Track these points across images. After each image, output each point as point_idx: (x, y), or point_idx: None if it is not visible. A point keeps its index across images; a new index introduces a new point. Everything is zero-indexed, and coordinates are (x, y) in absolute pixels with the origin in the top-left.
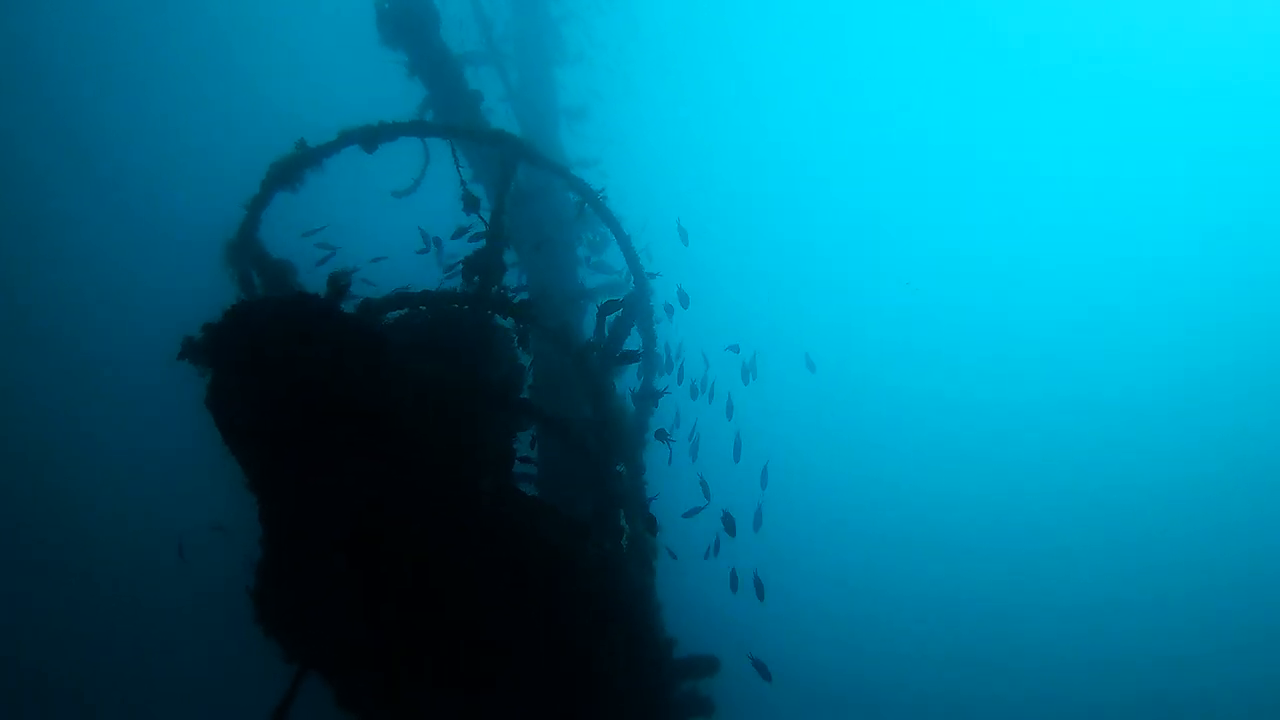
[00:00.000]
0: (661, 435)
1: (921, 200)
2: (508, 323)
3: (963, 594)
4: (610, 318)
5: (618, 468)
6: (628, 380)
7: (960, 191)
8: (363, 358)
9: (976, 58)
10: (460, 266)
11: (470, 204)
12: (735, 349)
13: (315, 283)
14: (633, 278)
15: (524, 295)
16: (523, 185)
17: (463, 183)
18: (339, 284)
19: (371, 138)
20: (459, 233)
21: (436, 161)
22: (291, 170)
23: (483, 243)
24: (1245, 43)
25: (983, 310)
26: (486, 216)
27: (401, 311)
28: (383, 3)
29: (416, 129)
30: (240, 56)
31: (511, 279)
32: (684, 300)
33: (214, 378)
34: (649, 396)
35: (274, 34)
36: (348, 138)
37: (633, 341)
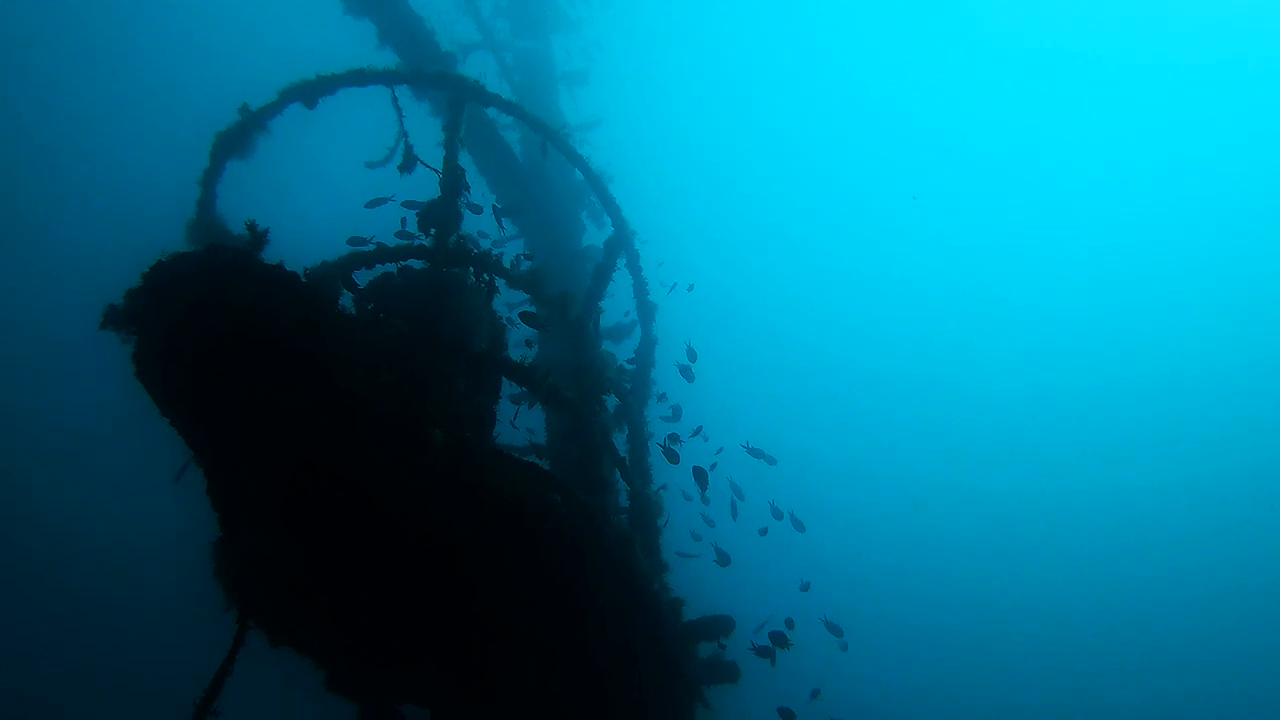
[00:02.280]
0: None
1: (930, 192)
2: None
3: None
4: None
5: (599, 417)
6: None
7: (966, 185)
8: (286, 305)
9: (972, 53)
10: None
11: (409, 163)
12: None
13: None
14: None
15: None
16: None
17: (404, 134)
18: (257, 231)
19: (311, 93)
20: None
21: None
22: (238, 137)
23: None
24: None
25: (1012, 308)
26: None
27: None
28: None
29: (355, 79)
30: (201, 31)
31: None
32: (691, 356)
33: (137, 342)
34: (649, 348)
35: (235, 8)
36: (288, 95)
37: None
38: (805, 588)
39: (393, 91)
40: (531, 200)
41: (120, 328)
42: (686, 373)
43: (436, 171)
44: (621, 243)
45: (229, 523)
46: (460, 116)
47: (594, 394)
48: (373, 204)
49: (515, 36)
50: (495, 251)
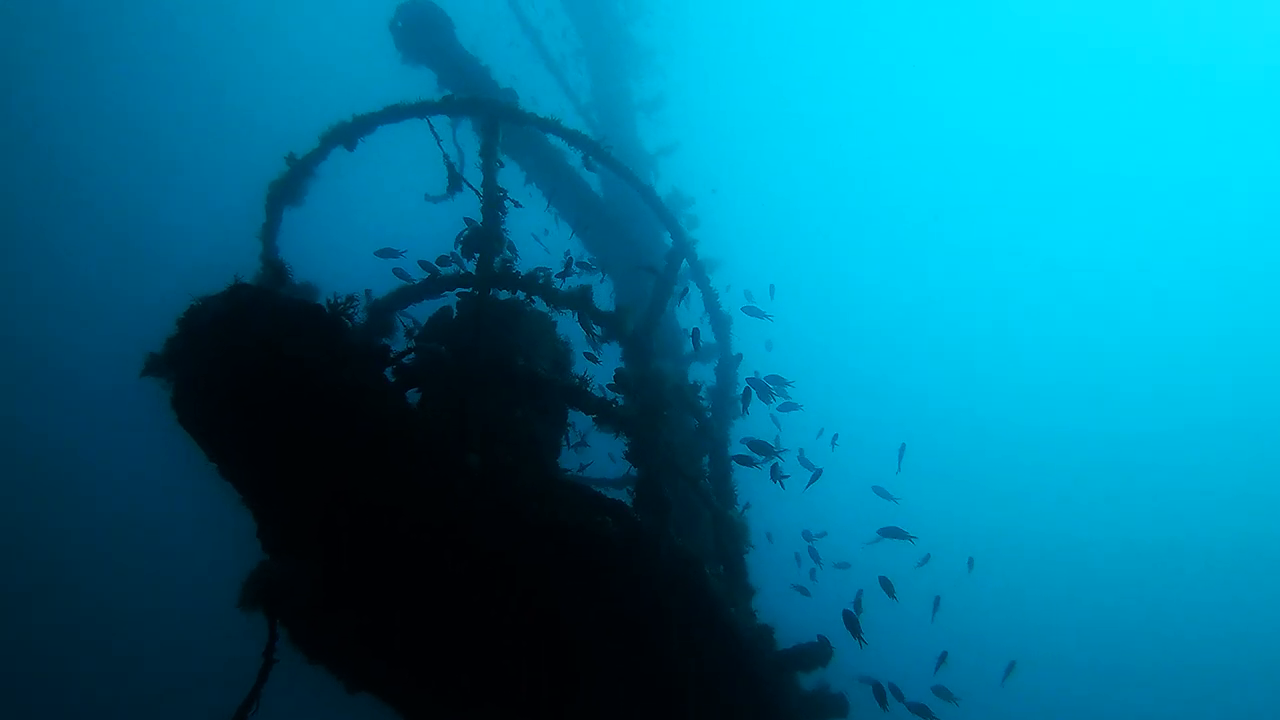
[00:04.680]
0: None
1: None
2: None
3: None
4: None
5: (662, 435)
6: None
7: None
8: (307, 337)
9: (993, 57)
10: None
11: (454, 184)
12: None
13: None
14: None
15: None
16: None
17: (445, 157)
18: (276, 266)
19: (350, 134)
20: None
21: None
22: (289, 187)
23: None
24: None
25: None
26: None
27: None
28: (396, 23)
29: (391, 115)
30: (270, 80)
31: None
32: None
33: (175, 387)
34: (730, 364)
35: (301, 58)
36: (330, 140)
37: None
38: (937, 604)
39: (429, 123)
40: (607, 223)
41: (161, 373)
42: (762, 391)
43: (478, 192)
44: (683, 254)
45: (281, 562)
46: (495, 139)
47: (654, 411)
48: (383, 254)
49: (595, 79)
50: (550, 273)
